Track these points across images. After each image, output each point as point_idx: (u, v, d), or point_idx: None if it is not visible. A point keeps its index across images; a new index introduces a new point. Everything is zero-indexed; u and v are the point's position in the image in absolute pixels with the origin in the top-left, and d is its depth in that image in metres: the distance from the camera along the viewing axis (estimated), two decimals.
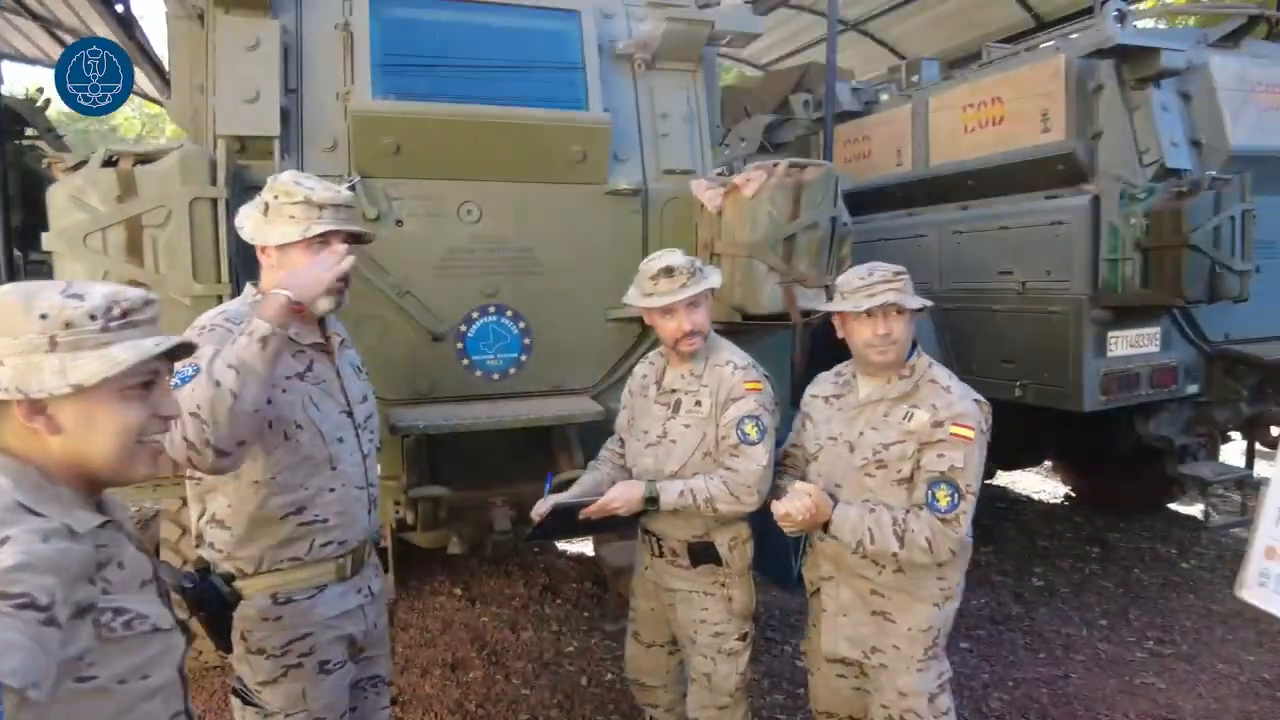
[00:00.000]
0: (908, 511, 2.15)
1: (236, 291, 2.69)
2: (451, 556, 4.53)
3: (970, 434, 2.12)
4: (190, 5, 3.25)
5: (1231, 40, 4.50)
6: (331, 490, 1.95)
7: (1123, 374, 4.27)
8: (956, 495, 2.10)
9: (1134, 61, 4.20)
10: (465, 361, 3.29)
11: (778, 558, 4.42)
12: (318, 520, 1.94)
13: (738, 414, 2.30)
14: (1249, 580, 1.09)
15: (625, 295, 2.44)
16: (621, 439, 2.61)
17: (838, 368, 2.48)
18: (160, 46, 3.85)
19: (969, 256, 4.85)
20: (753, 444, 2.28)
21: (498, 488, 3.32)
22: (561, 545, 5.34)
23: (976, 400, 2.21)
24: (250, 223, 1.97)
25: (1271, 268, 4.47)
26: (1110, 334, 4.25)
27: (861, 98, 5.94)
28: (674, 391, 2.42)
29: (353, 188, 3.07)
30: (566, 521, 2.36)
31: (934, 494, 2.11)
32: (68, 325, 1.12)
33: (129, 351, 1.15)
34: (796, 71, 7.11)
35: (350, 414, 2.04)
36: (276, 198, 1.93)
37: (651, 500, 2.30)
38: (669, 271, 2.29)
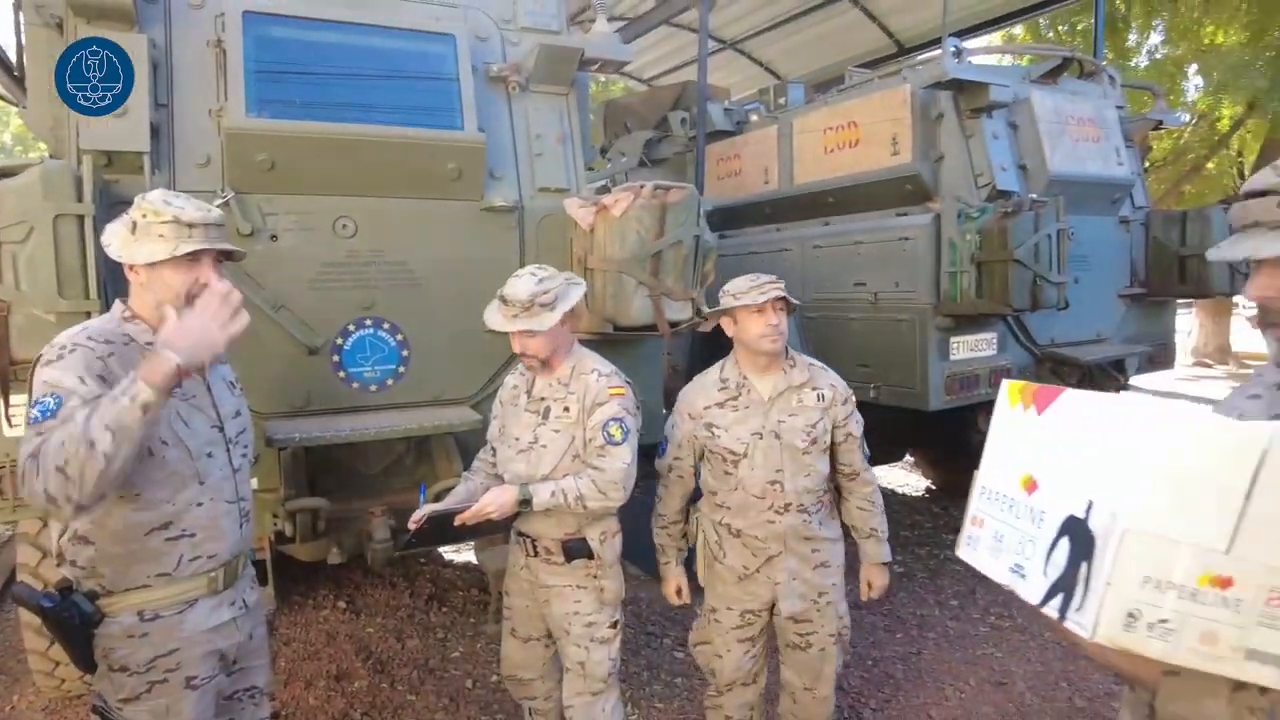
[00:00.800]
0: (852, 483, 2.79)
1: (107, 307, 2.68)
2: (336, 570, 4.53)
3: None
4: (49, 14, 3.17)
5: (1050, 77, 5.03)
6: (199, 505, 1.96)
7: (964, 375, 4.70)
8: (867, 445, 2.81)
9: (969, 93, 4.65)
10: (342, 374, 3.33)
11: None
12: (185, 535, 1.94)
13: (603, 417, 2.48)
14: (961, 542, 1.38)
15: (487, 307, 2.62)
16: (493, 448, 2.74)
17: (713, 376, 2.77)
18: (7, 40, 3.71)
19: (828, 269, 5.21)
20: (617, 444, 2.47)
21: (377, 498, 3.38)
22: (448, 555, 5.39)
23: None
24: (117, 240, 1.95)
25: (1088, 279, 5.03)
26: (952, 339, 4.68)
27: (733, 118, 6.26)
28: (543, 399, 2.58)
29: (226, 204, 3.09)
30: (443, 528, 2.47)
31: (865, 451, 2.77)
32: None
33: None
34: (676, 89, 7.38)
35: (221, 429, 2.05)
36: (145, 216, 1.91)
37: (525, 502, 2.43)
38: (504, 301, 2.48)
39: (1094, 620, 1.06)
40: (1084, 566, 1.08)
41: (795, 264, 5.47)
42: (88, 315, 2.57)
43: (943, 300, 4.57)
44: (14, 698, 3.69)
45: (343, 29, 3.36)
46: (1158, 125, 5.79)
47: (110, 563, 1.88)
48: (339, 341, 3.33)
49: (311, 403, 3.29)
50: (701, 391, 2.76)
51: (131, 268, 1.94)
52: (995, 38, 11.72)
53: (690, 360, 5.53)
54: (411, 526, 2.43)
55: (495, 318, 2.51)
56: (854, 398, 2.77)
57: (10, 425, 2.75)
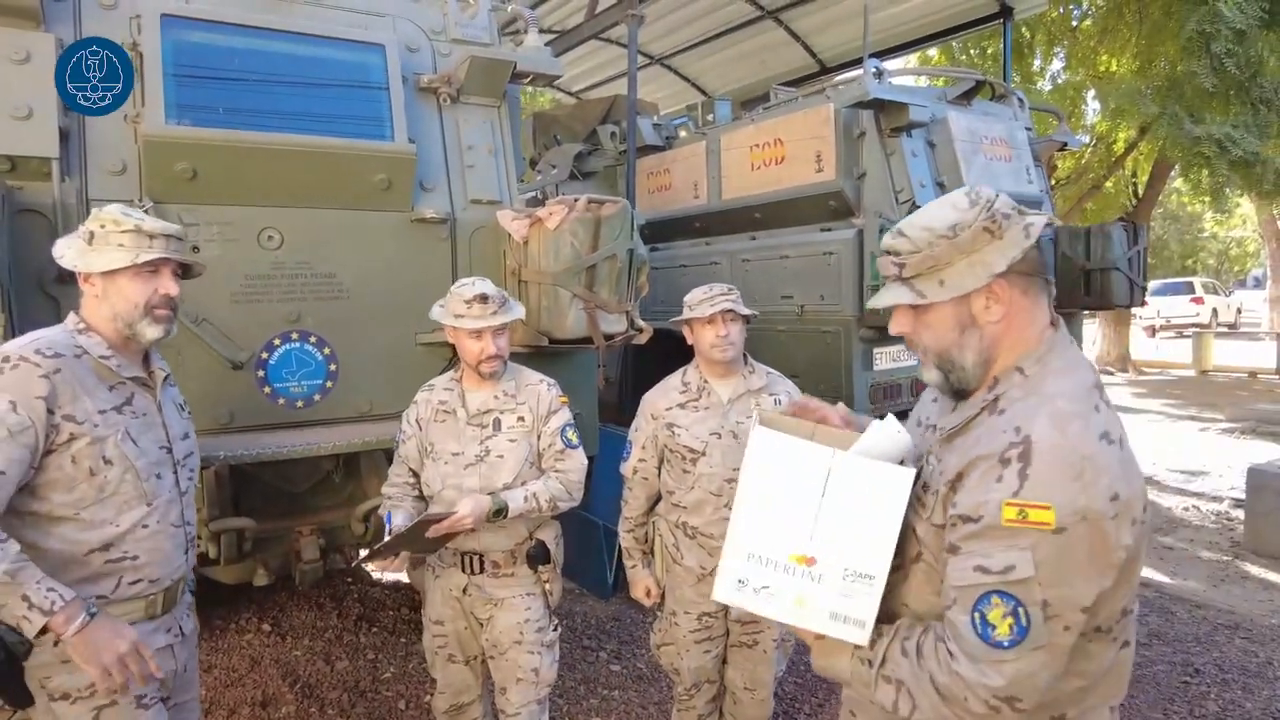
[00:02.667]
0: None
1: (9, 322, 2.54)
2: (259, 592, 4.37)
3: None
4: None
5: (964, 99, 5.26)
6: (145, 527, 1.93)
7: (887, 384, 4.87)
8: None
9: (889, 113, 4.83)
10: (267, 389, 3.23)
11: (594, 569, 4.64)
12: (127, 558, 1.90)
13: (559, 423, 2.62)
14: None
15: (431, 312, 2.61)
16: (411, 469, 2.68)
17: (676, 380, 2.87)
18: None
19: (756, 282, 5.33)
20: (575, 447, 2.63)
21: (304, 516, 3.30)
22: (376, 574, 5.27)
23: None
24: (72, 251, 1.94)
25: None
26: (876, 350, 4.84)
27: (662, 133, 6.34)
28: (489, 412, 2.59)
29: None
30: (414, 535, 2.42)
31: None
32: None
33: None
34: (605, 102, 7.43)
35: (170, 450, 2.03)
36: (103, 226, 1.92)
37: (499, 512, 2.44)
38: (483, 299, 2.49)
39: (716, 585, 1.41)
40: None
41: (724, 277, 5.56)
42: None
43: (866, 312, 4.71)
44: None
45: (269, 36, 3.27)
46: (1063, 146, 6.12)
47: None
48: (264, 356, 3.23)
49: (236, 419, 3.18)
50: (664, 394, 2.86)
51: (86, 278, 1.94)
52: (912, 59, 12.18)
53: (623, 372, 5.56)
54: (389, 537, 2.41)
55: (466, 321, 2.49)
56: None
57: None
